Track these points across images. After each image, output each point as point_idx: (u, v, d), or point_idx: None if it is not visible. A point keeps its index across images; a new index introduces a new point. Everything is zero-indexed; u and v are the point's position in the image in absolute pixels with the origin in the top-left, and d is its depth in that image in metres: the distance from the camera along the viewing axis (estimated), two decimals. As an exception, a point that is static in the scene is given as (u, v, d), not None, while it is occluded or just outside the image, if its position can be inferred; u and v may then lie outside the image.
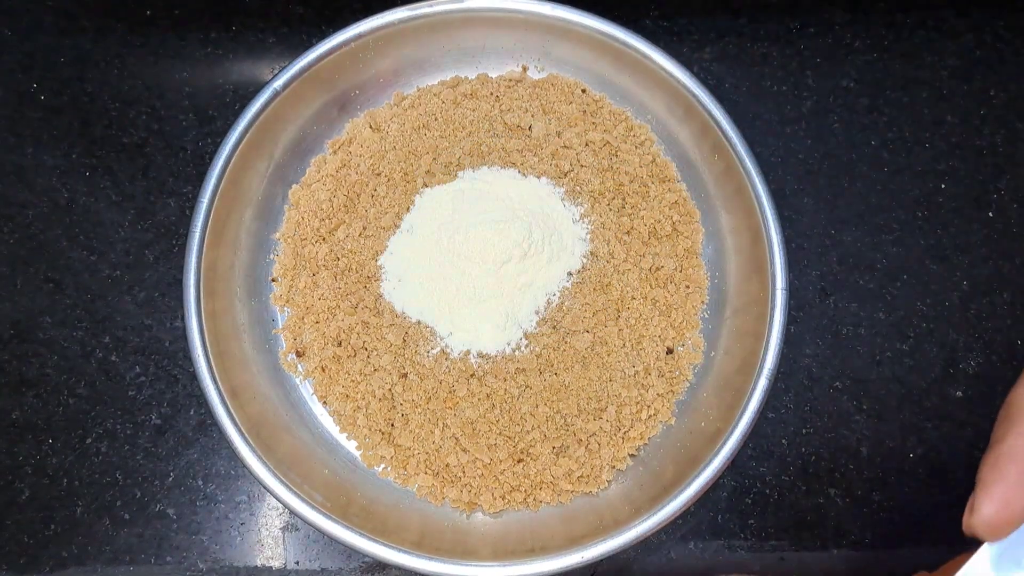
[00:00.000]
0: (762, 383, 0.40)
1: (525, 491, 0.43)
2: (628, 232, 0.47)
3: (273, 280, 0.47)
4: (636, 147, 0.49)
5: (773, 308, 0.41)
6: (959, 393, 0.47)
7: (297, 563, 0.45)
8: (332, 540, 0.39)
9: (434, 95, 0.50)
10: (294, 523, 0.46)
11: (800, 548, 0.45)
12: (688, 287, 0.46)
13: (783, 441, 0.47)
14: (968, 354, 0.48)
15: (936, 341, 0.48)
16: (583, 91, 0.50)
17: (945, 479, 0.46)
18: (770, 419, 0.47)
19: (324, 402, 0.45)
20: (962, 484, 0.46)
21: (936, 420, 0.47)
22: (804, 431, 0.47)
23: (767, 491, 0.46)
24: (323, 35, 0.46)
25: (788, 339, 0.43)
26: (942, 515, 0.45)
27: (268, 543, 0.45)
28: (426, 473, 0.43)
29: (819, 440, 0.46)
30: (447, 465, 0.43)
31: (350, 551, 0.44)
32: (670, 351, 0.45)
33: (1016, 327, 0.48)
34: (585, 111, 0.49)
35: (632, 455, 0.44)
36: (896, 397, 0.47)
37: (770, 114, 0.52)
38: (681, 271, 0.46)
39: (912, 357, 0.48)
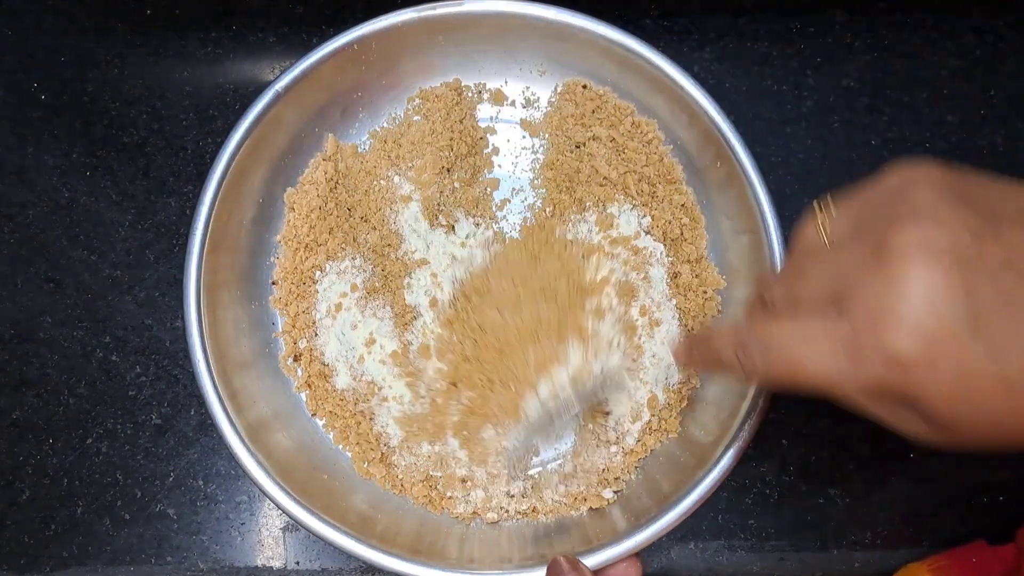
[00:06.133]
0: (762, 394, 0.40)
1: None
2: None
3: (274, 283, 0.47)
4: (643, 144, 0.47)
5: None
6: (959, 393, 0.47)
7: (297, 563, 0.45)
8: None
9: (436, 96, 0.49)
10: (294, 523, 0.46)
11: (800, 548, 0.45)
12: (706, 293, 0.45)
13: (783, 441, 0.47)
14: (968, 354, 0.47)
15: (936, 341, 0.48)
16: (584, 87, 0.49)
17: (945, 479, 0.46)
18: (770, 419, 0.46)
19: (314, 414, 0.45)
20: (962, 484, 0.46)
21: (936, 420, 0.47)
22: (804, 431, 0.47)
23: (767, 491, 0.46)
24: (324, 35, 0.46)
25: (788, 339, 0.42)
26: (942, 515, 0.45)
27: (268, 543, 0.45)
28: (422, 484, 0.43)
29: (819, 440, 0.46)
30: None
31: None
32: None
33: (1016, 327, 0.48)
34: (589, 105, 0.48)
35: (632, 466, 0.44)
36: (896, 397, 0.47)
37: (770, 114, 0.52)
38: (697, 277, 0.45)
39: (912, 357, 0.47)
